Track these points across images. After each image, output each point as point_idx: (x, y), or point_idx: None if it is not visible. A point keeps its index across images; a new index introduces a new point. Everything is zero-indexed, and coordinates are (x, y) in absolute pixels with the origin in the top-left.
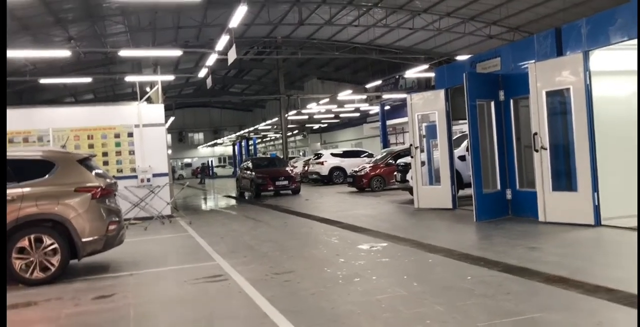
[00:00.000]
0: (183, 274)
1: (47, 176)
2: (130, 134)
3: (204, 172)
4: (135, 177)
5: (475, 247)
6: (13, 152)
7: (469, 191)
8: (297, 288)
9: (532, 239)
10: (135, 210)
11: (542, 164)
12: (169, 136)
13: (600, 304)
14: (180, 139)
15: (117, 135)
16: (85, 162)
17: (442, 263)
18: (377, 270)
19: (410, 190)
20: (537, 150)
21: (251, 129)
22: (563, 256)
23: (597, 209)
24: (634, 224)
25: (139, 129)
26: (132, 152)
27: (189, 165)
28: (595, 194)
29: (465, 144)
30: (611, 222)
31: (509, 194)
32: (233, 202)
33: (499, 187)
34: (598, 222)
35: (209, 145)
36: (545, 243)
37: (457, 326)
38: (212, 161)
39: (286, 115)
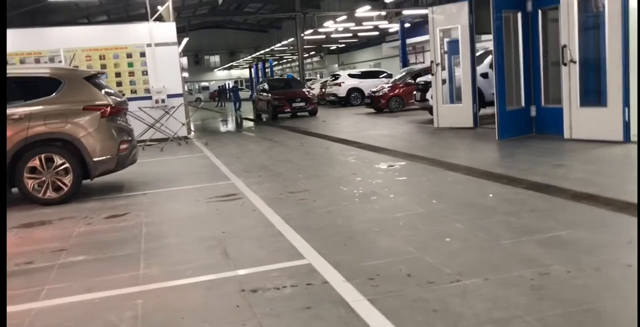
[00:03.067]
0: (197, 193)
1: (54, 94)
2: (143, 54)
3: (226, 94)
4: (150, 98)
5: (498, 165)
6: (19, 69)
7: (491, 110)
8: (312, 206)
9: (558, 156)
10: (151, 131)
11: (571, 78)
12: (185, 59)
13: (631, 221)
14: (196, 61)
15: (129, 55)
16: (93, 80)
17: (462, 181)
18: (395, 188)
19: (429, 109)
20: (565, 64)
21: (267, 50)
22: (590, 173)
23: (626, 125)
24: None
25: (151, 48)
26: (145, 73)
27: (206, 88)
28: (627, 109)
29: (488, 60)
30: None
31: (533, 111)
32: (250, 124)
33: (523, 104)
34: (627, 139)
35: (225, 68)
36: (571, 160)
37: (479, 244)
38: (229, 84)
39: (302, 34)
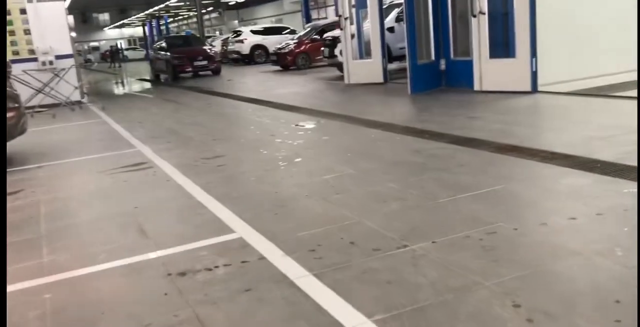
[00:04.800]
0: (100, 163)
1: None
2: (24, 11)
3: (115, 56)
4: (35, 59)
5: (416, 120)
6: None
7: (398, 65)
8: (232, 173)
9: (472, 109)
10: (40, 97)
11: (480, 30)
12: (71, 17)
13: (562, 171)
14: (83, 20)
15: (7, 13)
16: None
17: (385, 138)
18: (318, 148)
19: (338, 66)
20: (475, 16)
21: (161, 6)
22: (507, 124)
23: (534, 76)
24: (569, 89)
25: (32, 4)
26: (27, 32)
27: (96, 48)
28: (534, 59)
29: (393, 14)
30: (547, 88)
31: (443, 64)
32: (149, 85)
33: (433, 57)
34: (535, 89)
35: (117, 27)
36: (485, 112)
37: (417, 203)
38: (121, 44)
39: None
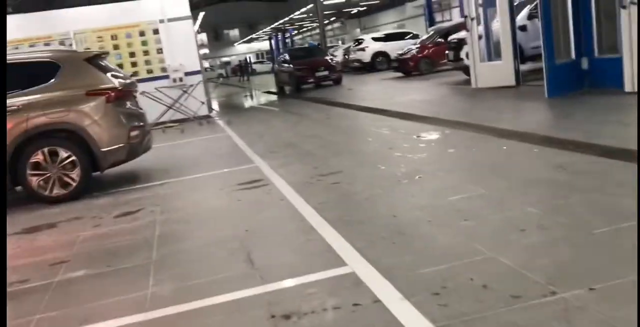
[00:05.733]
0: (218, 180)
1: (52, 79)
2: (156, 31)
3: (243, 69)
4: (167, 77)
5: (557, 128)
6: (15, 54)
7: (531, 66)
8: (347, 192)
9: (624, 113)
10: (171, 112)
11: (632, 22)
12: (204, 35)
13: None
14: (215, 37)
15: (141, 33)
16: (95, 61)
17: (521, 150)
18: (442, 164)
19: (464, 69)
20: (624, 7)
21: (286, 19)
22: None
23: None
24: None
25: (164, 24)
26: (160, 51)
27: (227, 63)
28: None
29: (525, 11)
30: None
31: (585, 64)
32: (273, 97)
33: (572, 56)
34: None
35: (245, 41)
36: None
37: (566, 234)
38: (250, 58)
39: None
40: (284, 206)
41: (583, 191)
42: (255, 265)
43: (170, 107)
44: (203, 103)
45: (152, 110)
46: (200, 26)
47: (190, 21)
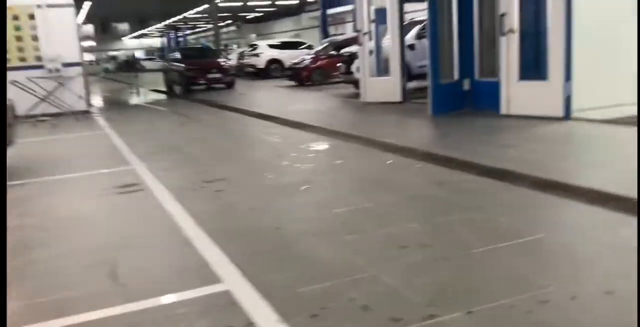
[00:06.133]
0: (88, 183)
1: None
2: (32, 17)
3: (132, 65)
4: (42, 67)
5: (440, 145)
6: None
7: (418, 84)
8: (231, 201)
9: (501, 135)
10: (45, 105)
11: (510, 49)
12: (90, 26)
13: (617, 218)
14: (103, 29)
15: (15, 17)
16: None
17: (406, 165)
18: (330, 175)
19: (355, 83)
20: (504, 34)
21: (180, 17)
22: (544, 154)
23: (568, 101)
24: (605, 116)
25: (41, 9)
26: (35, 38)
27: (114, 58)
28: (568, 83)
29: (414, 31)
30: (580, 115)
31: (466, 85)
32: (161, 96)
33: (456, 77)
34: (568, 115)
35: (135, 37)
36: (517, 139)
37: (447, 252)
38: (139, 54)
39: (217, 1)
40: (160, 214)
41: (463, 209)
42: (120, 280)
43: (43, 100)
44: (81, 97)
45: (23, 102)
46: (87, 17)
47: (72, 9)
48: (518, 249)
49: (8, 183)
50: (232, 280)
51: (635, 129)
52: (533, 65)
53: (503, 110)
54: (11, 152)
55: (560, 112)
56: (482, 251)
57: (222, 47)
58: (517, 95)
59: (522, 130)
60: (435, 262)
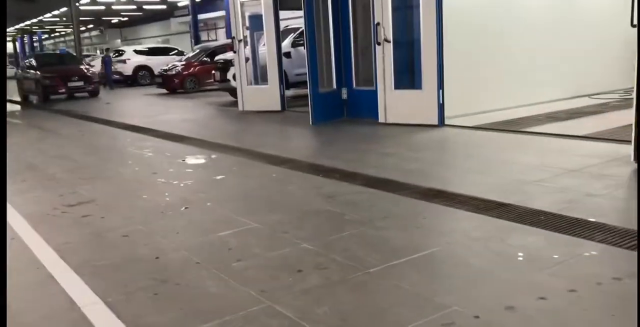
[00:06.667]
0: None
1: None
2: None
3: None
4: None
5: (323, 156)
6: None
7: (295, 92)
8: (101, 227)
9: (381, 143)
10: None
11: (385, 59)
12: None
13: (504, 226)
14: None
15: None
16: None
17: (290, 178)
18: (212, 192)
19: (231, 91)
20: (379, 43)
21: (35, 20)
22: (424, 162)
23: (441, 108)
24: (475, 123)
25: None
26: None
27: None
28: (441, 91)
29: (290, 39)
30: (452, 122)
31: (344, 94)
32: (15, 107)
33: (334, 85)
34: (442, 122)
35: None
36: (396, 147)
37: (344, 274)
38: None
39: (77, 4)
40: (15, 248)
41: (353, 224)
42: None
43: None
44: None
45: None
46: None
47: (5, 10)
48: (416, 265)
49: None
50: (107, 326)
51: (508, 134)
52: (407, 74)
53: (381, 118)
54: None
55: (435, 120)
56: (380, 269)
57: (84, 54)
58: (394, 103)
59: (401, 139)
60: (334, 286)
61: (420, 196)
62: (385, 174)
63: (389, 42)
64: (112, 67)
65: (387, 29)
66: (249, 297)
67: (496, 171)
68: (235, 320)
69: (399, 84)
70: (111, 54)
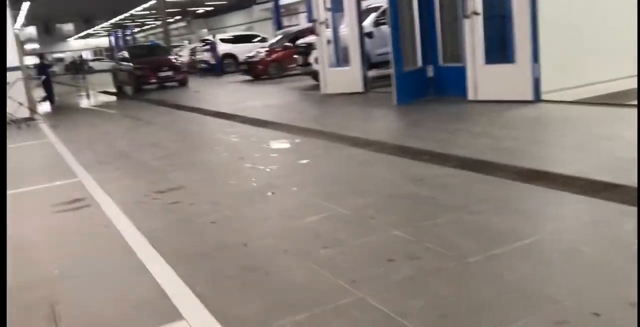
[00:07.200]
0: (26, 201)
1: None
2: None
3: (79, 67)
4: None
5: (410, 136)
6: None
7: (377, 72)
8: (189, 214)
9: (472, 122)
10: None
11: (474, 32)
12: (33, 28)
13: (617, 210)
14: (46, 31)
15: None
16: None
17: (376, 161)
18: (297, 177)
19: (313, 74)
20: (467, 17)
21: (126, 15)
22: (520, 141)
23: (536, 83)
24: (575, 97)
25: None
26: None
27: (60, 60)
28: (536, 65)
29: (371, 18)
30: (549, 97)
31: (430, 71)
32: (111, 99)
33: (419, 63)
34: (537, 98)
35: (81, 37)
36: (489, 126)
37: (439, 263)
38: (86, 55)
39: None
40: (108, 235)
41: (447, 208)
42: (59, 322)
43: None
44: (21, 104)
45: None
46: (28, 19)
47: (6, 10)
48: (520, 254)
49: None
50: (195, 316)
51: (611, 109)
52: (498, 48)
53: (470, 96)
54: None
55: (529, 95)
56: (480, 259)
57: (172, 45)
58: (484, 79)
59: (493, 116)
60: (429, 276)
61: (519, 177)
62: (479, 154)
63: (477, 14)
64: (199, 56)
65: (475, 0)
66: (339, 288)
67: (601, 148)
68: (325, 313)
69: (489, 59)
70: (215, 39)
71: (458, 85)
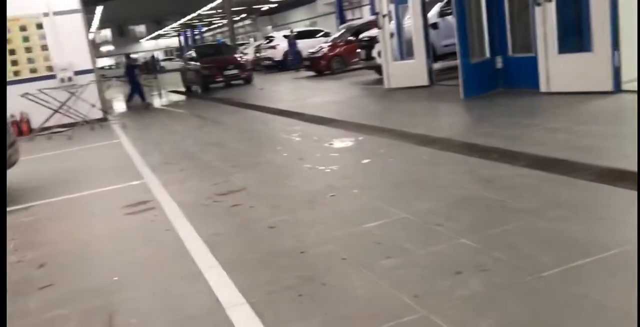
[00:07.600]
0: (95, 203)
1: None
2: (40, 26)
3: (151, 67)
4: (54, 76)
5: (477, 133)
6: None
7: (442, 64)
8: (249, 218)
9: (546, 116)
10: (58, 116)
11: (547, 20)
12: (108, 31)
13: None
14: (120, 33)
15: (23, 28)
16: None
17: (442, 160)
18: (358, 178)
19: (376, 68)
20: (538, 4)
21: (194, 15)
22: (599, 137)
23: (617, 72)
24: None
25: (49, 18)
26: (45, 48)
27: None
28: (616, 53)
29: (436, 8)
30: (631, 87)
31: (499, 63)
32: (179, 97)
33: (487, 54)
34: (618, 88)
35: (153, 38)
36: (565, 120)
37: (510, 277)
38: (157, 55)
39: None
40: (169, 240)
41: (518, 213)
42: None
43: (56, 111)
44: (94, 105)
45: (36, 114)
46: (103, 21)
47: (80, 15)
48: (604, 267)
49: (13, 207)
50: None
51: None
52: (573, 36)
53: (543, 87)
54: (19, 170)
55: (609, 86)
56: (556, 272)
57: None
58: (558, 70)
59: (569, 109)
60: (499, 292)
61: (599, 178)
62: (554, 152)
63: (550, 1)
64: (264, 53)
65: None
66: (401, 304)
67: None
68: None
69: (563, 48)
70: (292, 34)
71: (529, 77)
